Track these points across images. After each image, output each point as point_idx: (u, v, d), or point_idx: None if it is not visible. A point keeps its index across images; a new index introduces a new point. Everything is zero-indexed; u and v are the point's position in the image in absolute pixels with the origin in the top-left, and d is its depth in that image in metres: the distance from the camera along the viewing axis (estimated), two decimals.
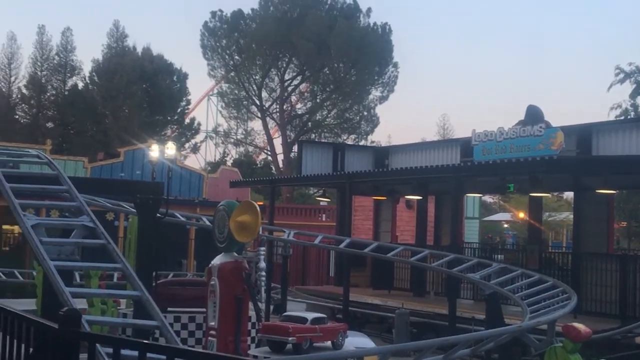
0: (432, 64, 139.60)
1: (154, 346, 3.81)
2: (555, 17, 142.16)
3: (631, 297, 18.29)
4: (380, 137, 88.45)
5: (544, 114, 20.73)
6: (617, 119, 38.64)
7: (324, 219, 40.22)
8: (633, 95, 43.68)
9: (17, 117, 60.47)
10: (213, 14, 63.49)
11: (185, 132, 66.02)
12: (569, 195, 46.14)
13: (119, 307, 17.46)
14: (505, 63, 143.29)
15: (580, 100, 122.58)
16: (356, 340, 14.32)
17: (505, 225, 60.79)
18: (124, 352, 4.27)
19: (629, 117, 41.04)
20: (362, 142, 60.66)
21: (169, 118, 63.15)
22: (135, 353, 3.70)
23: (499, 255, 23.97)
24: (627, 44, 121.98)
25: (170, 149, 17.44)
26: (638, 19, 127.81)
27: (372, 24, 62.30)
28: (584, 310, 18.29)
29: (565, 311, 13.02)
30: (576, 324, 10.02)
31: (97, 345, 5.07)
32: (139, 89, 58.35)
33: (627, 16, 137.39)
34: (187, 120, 66.73)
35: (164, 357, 3.54)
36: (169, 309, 14.93)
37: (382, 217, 28.33)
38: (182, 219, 19.55)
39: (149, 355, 3.81)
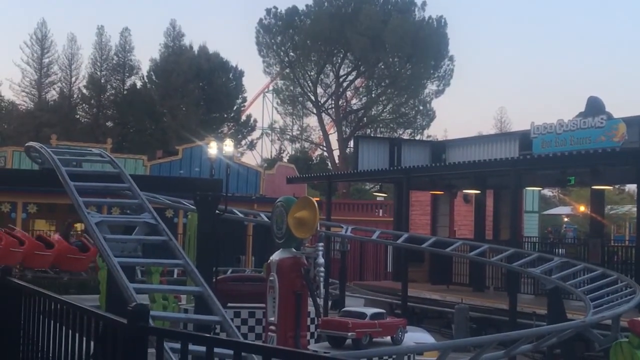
0: (488, 56, 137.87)
1: (222, 341, 3.85)
2: (616, 4, 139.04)
3: None
4: (436, 131, 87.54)
5: (605, 105, 20.34)
6: None
7: (380, 214, 40.15)
8: None
9: (78, 116, 61.82)
10: (268, 11, 63.92)
11: (242, 129, 66.55)
12: (631, 187, 45.13)
13: (179, 303, 17.70)
14: (564, 53, 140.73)
15: None
16: (415, 336, 14.25)
17: (566, 219, 59.77)
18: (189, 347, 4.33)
19: None
20: (418, 137, 60.38)
21: (225, 115, 63.75)
22: (202, 348, 3.75)
23: (560, 250, 23.60)
24: None
25: (228, 145, 17.59)
26: None
27: (427, 18, 61.95)
28: None
29: (630, 306, 12.75)
30: None
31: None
32: (195, 87, 59.05)
33: None
34: (243, 118, 67.29)
35: (231, 352, 3.58)
36: (228, 304, 15.06)
37: (440, 211, 28.16)
38: (241, 215, 19.74)
39: (215, 350, 3.85)
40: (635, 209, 24.63)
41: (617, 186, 49.04)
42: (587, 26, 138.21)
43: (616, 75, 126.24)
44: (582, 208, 47.70)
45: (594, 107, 20.27)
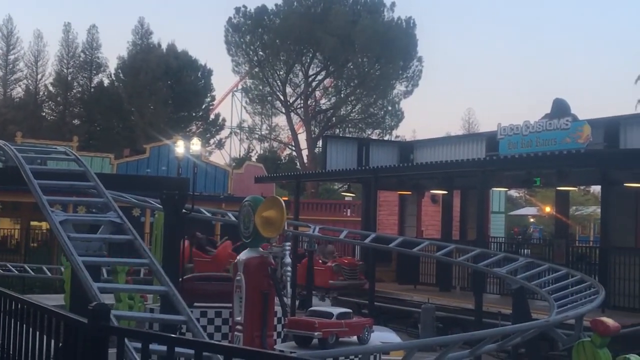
0: (456, 57, 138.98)
1: (182, 340, 3.83)
2: (582, 8, 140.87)
3: None
4: (405, 131, 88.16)
5: (570, 107, 20.55)
6: None
7: (348, 214, 40.23)
8: None
9: (44, 114, 61.19)
10: (237, 10, 63.70)
11: (210, 128, 66.32)
12: (596, 189, 45.71)
13: (146, 303, 17.57)
14: (531, 55, 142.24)
15: (608, 93, 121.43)
16: (382, 335, 14.28)
17: (532, 220, 60.40)
18: (152, 346, 4.29)
19: None
20: (387, 137, 60.65)
21: (193, 114, 63.48)
22: (164, 348, 3.71)
23: (526, 250, 23.82)
24: None
25: (196, 144, 17.49)
26: None
27: (396, 18, 62.21)
28: (612, 305, 18.15)
29: (593, 306, 12.90)
30: (604, 319, 9.92)
31: (125, 339, 5.11)
32: (164, 86, 58.73)
33: None
34: (211, 116, 67.04)
35: (192, 351, 3.55)
36: (195, 304, 15.00)
37: (407, 212, 28.27)
38: (208, 214, 19.64)
39: (177, 349, 3.83)
40: (599, 210, 24.92)
41: (582, 187, 49.68)
42: (554, 29, 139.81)
43: (582, 78, 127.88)
44: (547, 209, 48.24)
45: (560, 109, 20.47)
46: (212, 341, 6.23)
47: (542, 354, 15.46)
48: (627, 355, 9.01)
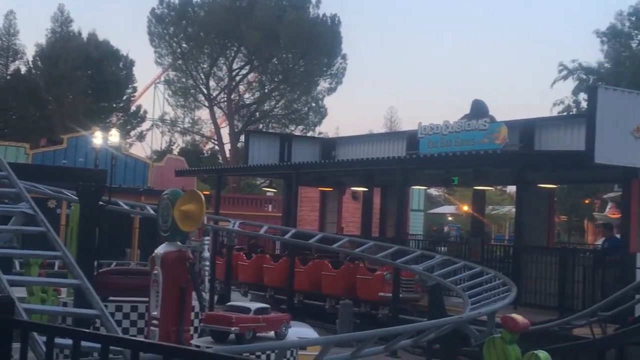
0: (380, 56, 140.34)
1: (89, 334, 3.75)
2: (501, 11, 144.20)
3: (569, 289, 18.66)
4: (327, 128, 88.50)
5: (488, 109, 20.97)
6: (560, 114, 39.35)
7: (270, 209, 40.21)
8: (575, 92, 44.52)
9: None
10: (161, 0, 62.81)
11: (131, 119, 65.26)
12: (511, 189, 46.91)
13: (60, 296, 17.16)
14: (452, 57, 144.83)
15: (525, 95, 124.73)
16: (299, 331, 14.31)
17: (450, 218, 61.57)
18: (61, 341, 4.18)
19: (570, 113, 41.84)
20: (310, 133, 60.78)
21: (114, 105, 62.37)
22: (70, 342, 3.63)
23: (443, 247, 24.24)
24: (571, 40, 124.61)
25: (114, 136, 17.25)
26: (582, 16, 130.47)
27: (321, 15, 62.41)
28: (524, 302, 18.60)
29: (505, 303, 13.21)
30: (514, 315, 10.12)
31: (35, 334, 4.99)
32: (83, 75, 57.47)
33: (572, 13, 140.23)
34: (133, 108, 65.96)
35: (99, 345, 3.48)
36: (110, 298, 14.75)
37: (328, 208, 28.40)
38: (126, 207, 19.27)
39: (87, 344, 3.75)
40: (514, 210, 25.59)
41: (498, 187, 50.92)
42: (475, 30, 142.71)
43: (501, 80, 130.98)
44: (465, 207, 49.28)
45: (478, 110, 20.86)
46: (121, 335, 6.14)
47: (456, 350, 15.75)
48: (535, 352, 9.25)
